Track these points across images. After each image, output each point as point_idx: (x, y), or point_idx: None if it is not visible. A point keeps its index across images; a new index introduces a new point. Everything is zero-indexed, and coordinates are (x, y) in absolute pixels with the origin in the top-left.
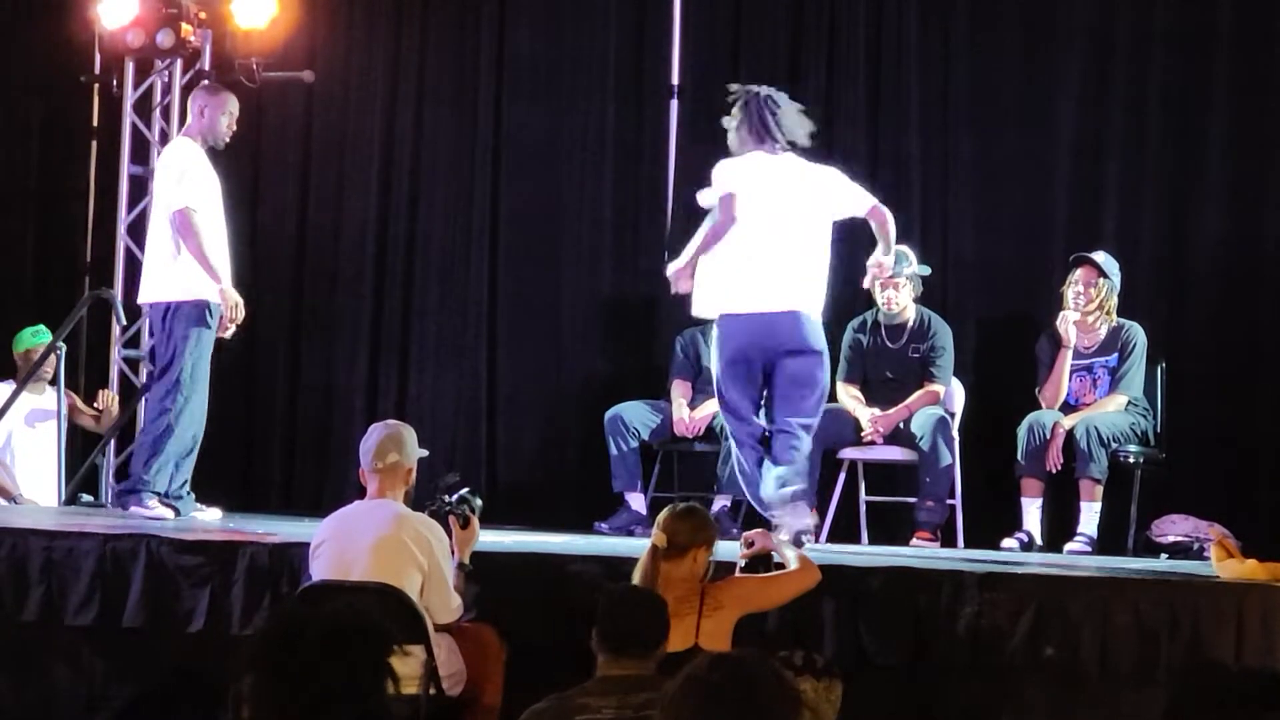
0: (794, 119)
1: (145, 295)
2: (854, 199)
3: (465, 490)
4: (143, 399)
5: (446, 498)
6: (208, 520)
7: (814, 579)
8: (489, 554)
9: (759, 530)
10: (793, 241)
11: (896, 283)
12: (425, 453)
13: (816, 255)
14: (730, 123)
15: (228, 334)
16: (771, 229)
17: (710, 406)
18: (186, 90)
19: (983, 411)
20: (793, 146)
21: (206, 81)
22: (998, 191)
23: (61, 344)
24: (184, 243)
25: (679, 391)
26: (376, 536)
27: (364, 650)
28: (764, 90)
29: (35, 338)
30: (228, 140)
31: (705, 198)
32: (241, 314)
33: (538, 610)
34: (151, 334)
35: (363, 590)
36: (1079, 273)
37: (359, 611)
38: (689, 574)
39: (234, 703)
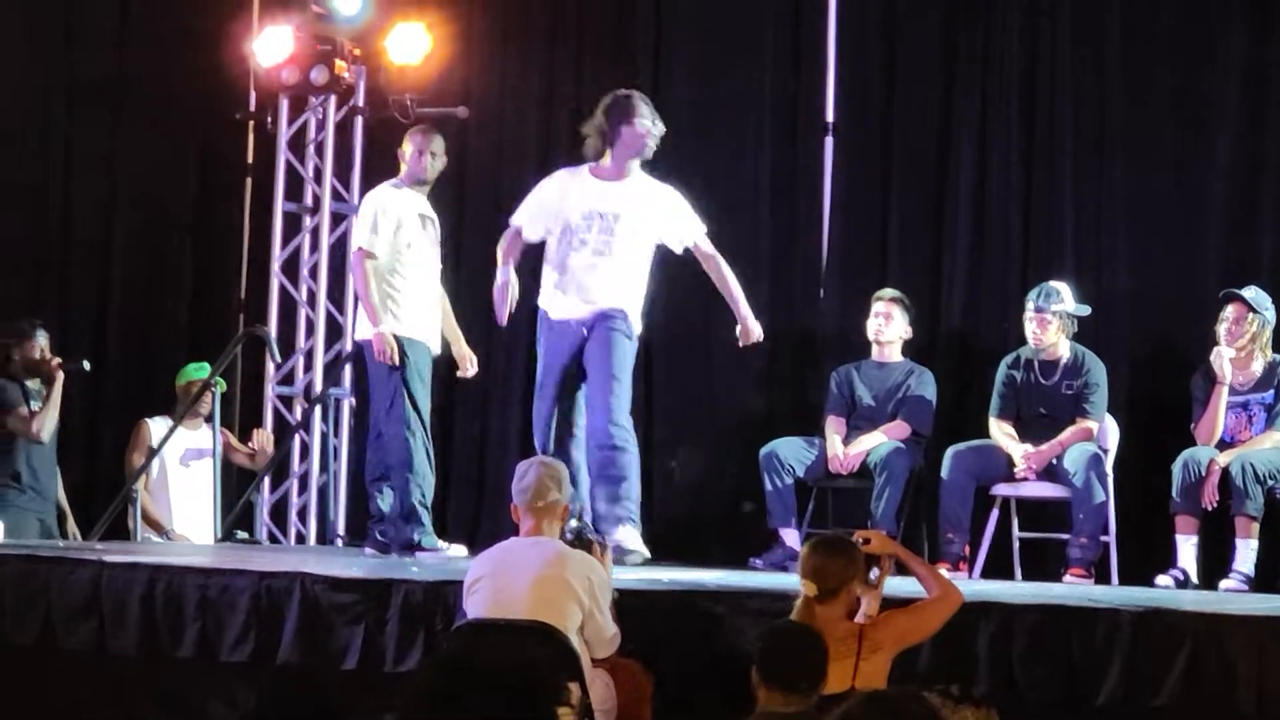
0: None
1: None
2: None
3: (575, 519)
4: (296, 436)
5: (581, 526)
6: (452, 554)
7: (957, 601)
8: (642, 591)
9: (874, 530)
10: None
11: (1045, 319)
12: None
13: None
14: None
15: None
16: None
17: (867, 442)
18: (340, 127)
19: (1137, 448)
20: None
21: (421, 125)
22: (1151, 227)
23: (219, 380)
24: (354, 281)
25: (833, 428)
26: (537, 573)
27: (528, 699)
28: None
29: (198, 372)
30: (433, 178)
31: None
32: (394, 358)
33: (689, 646)
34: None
35: (517, 628)
36: (1229, 309)
37: (526, 660)
38: (844, 612)
39: None
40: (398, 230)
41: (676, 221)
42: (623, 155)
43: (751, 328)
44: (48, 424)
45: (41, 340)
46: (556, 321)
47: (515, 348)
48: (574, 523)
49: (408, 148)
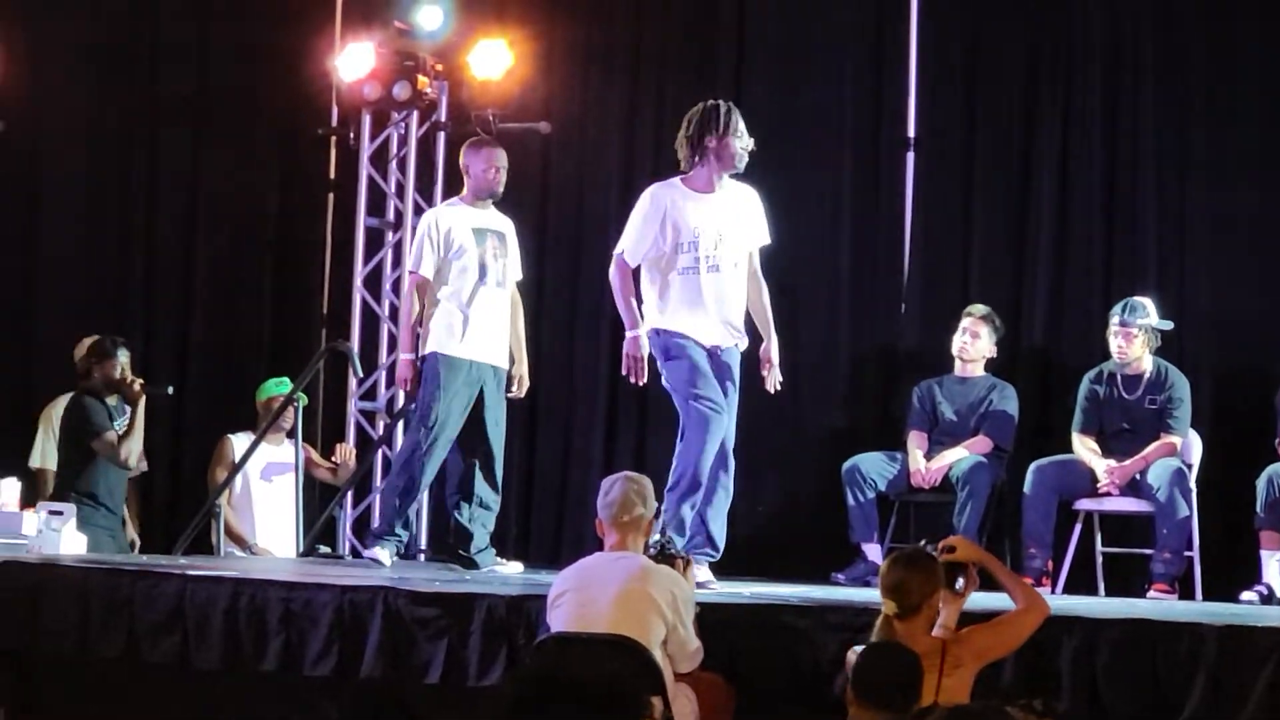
0: None
1: None
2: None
3: (659, 534)
4: (379, 452)
5: (665, 541)
6: (508, 574)
7: (1043, 612)
8: (724, 605)
9: (960, 537)
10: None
11: (1130, 333)
12: (657, 504)
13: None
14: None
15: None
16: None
17: (949, 456)
18: (423, 142)
19: (1220, 463)
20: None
21: (472, 139)
22: (1234, 243)
23: (301, 396)
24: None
25: (915, 442)
26: (621, 588)
27: (612, 713)
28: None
29: (279, 388)
30: (499, 191)
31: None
32: (408, 386)
33: (771, 660)
34: None
35: (601, 642)
36: None
37: (609, 674)
38: (926, 628)
39: None
40: (448, 249)
41: (759, 226)
42: (715, 169)
43: (774, 358)
44: (134, 449)
45: (123, 358)
46: (709, 347)
47: (596, 365)
48: (657, 537)
49: (473, 163)
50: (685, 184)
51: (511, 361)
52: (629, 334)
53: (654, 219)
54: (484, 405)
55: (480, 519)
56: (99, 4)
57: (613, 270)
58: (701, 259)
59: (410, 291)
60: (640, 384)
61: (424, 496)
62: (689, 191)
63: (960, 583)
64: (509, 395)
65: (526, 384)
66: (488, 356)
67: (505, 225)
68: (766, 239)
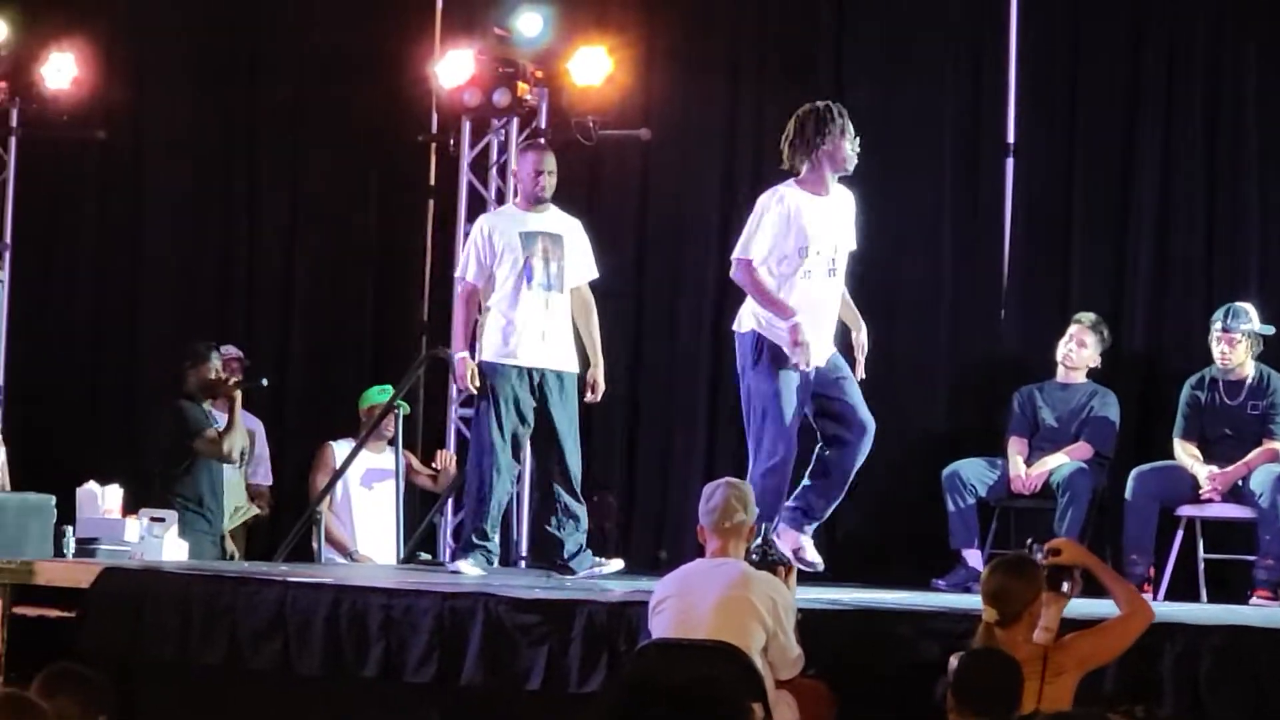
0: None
1: None
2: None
3: (760, 539)
4: None
5: (767, 547)
6: (609, 572)
7: (1148, 618)
8: (825, 610)
9: (1066, 540)
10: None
11: (1233, 338)
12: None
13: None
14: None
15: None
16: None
17: (1049, 462)
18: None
19: None
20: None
21: (532, 143)
22: None
23: (402, 403)
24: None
25: (1015, 448)
26: (722, 595)
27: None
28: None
29: (380, 395)
30: (546, 195)
31: None
32: (469, 384)
33: (872, 666)
34: None
35: (701, 648)
36: None
37: (710, 680)
38: (1027, 635)
39: None
40: (492, 255)
41: (853, 230)
42: (827, 170)
43: (866, 344)
44: (236, 443)
45: (216, 362)
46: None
47: (696, 372)
48: (759, 543)
49: (520, 167)
50: (802, 186)
51: (585, 365)
52: (789, 321)
53: (782, 221)
54: (549, 411)
55: (567, 526)
56: (200, 14)
57: (741, 274)
58: (823, 263)
59: (461, 298)
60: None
61: (520, 503)
62: (809, 195)
63: (1065, 585)
64: (586, 400)
65: (602, 387)
66: (541, 360)
67: (564, 227)
68: (854, 244)
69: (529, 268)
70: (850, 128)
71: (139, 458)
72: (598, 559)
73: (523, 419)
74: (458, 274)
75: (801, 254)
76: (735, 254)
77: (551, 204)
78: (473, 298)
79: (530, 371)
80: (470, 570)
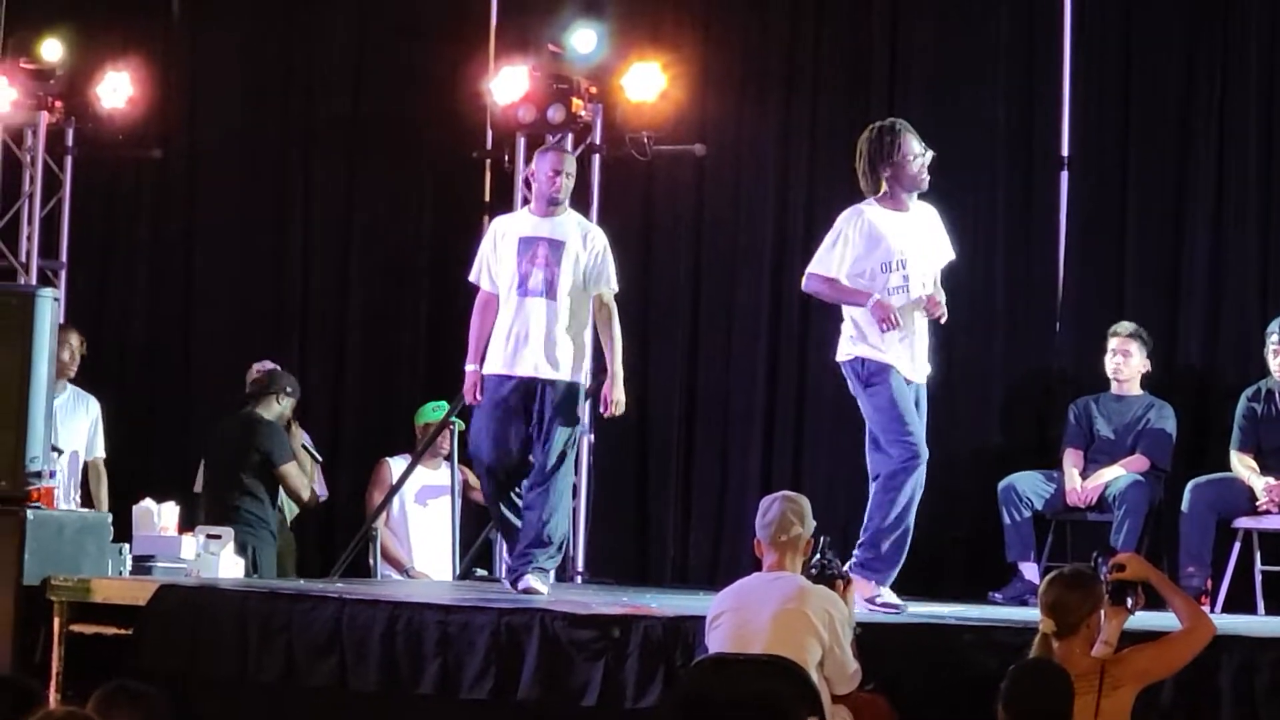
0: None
1: None
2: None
3: (822, 553)
4: None
5: (820, 563)
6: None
7: (1209, 634)
8: (882, 624)
9: (1131, 554)
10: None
11: None
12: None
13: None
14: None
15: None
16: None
17: (1105, 475)
18: (577, 165)
19: None
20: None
21: (550, 144)
22: None
23: (457, 420)
24: None
25: (1071, 461)
26: (778, 609)
27: None
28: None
29: (435, 413)
30: (562, 196)
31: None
32: (476, 397)
33: (930, 680)
34: None
35: (758, 663)
36: None
37: (767, 694)
38: (1085, 648)
39: None
40: (496, 260)
41: (945, 242)
42: (898, 189)
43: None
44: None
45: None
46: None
47: (754, 389)
48: (818, 557)
49: (537, 168)
50: (881, 204)
51: (598, 378)
52: (869, 302)
53: (862, 238)
54: (544, 418)
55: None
56: (254, 32)
57: (812, 284)
58: (911, 279)
59: (477, 305)
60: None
61: (576, 518)
62: (888, 211)
63: (1129, 601)
64: (604, 415)
65: (619, 400)
66: (524, 369)
67: (568, 233)
68: (952, 254)
69: (520, 274)
70: (913, 143)
71: (193, 475)
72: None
73: (500, 431)
74: (471, 278)
75: (885, 269)
76: (809, 269)
77: (570, 208)
78: (489, 305)
79: (510, 380)
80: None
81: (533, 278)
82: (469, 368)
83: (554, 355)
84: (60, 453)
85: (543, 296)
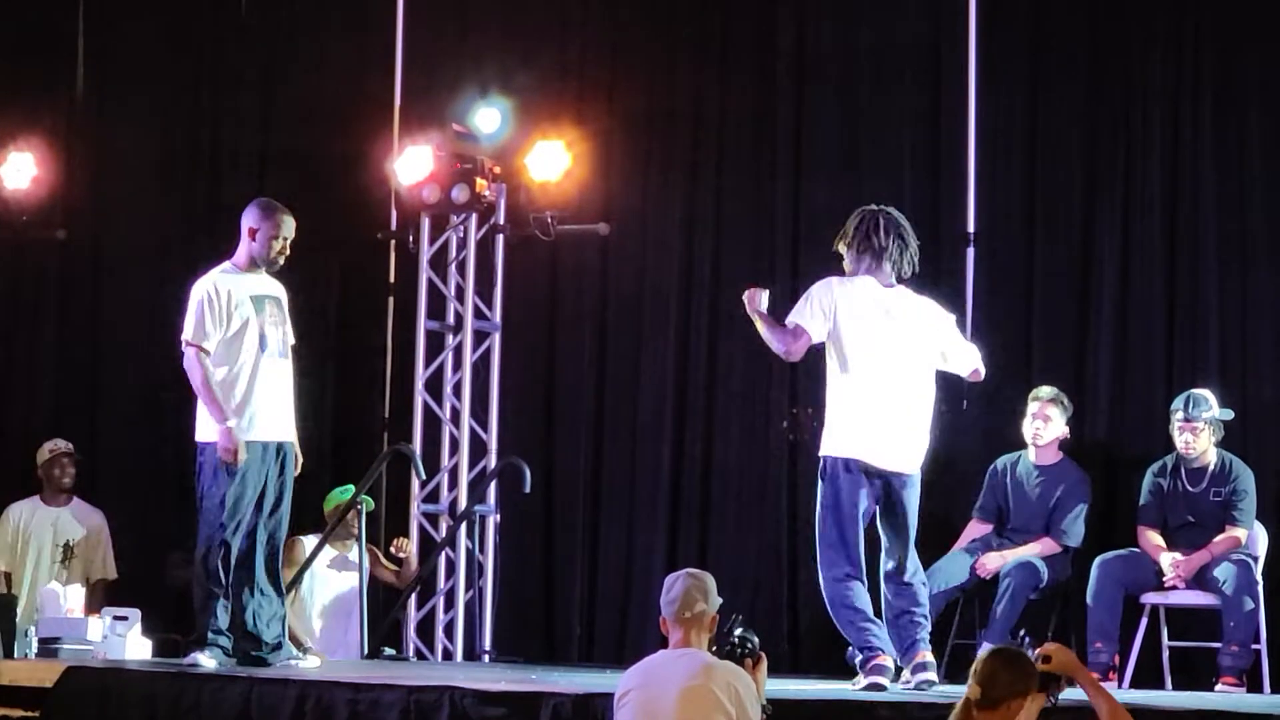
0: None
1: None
2: (965, 354)
3: (740, 629)
4: (442, 553)
5: (735, 639)
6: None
7: None
8: (794, 701)
9: (1059, 646)
10: (911, 389)
11: (1195, 427)
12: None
13: (927, 405)
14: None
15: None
16: (889, 372)
17: (1010, 554)
18: (482, 245)
19: None
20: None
21: (260, 200)
22: None
23: (366, 499)
24: (190, 380)
25: (975, 532)
26: (684, 685)
27: None
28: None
29: (344, 495)
30: (279, 262)
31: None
32: (240, 457)
33: None
34: None
35: None
36: None
37: None
38: None
39: None
40: (228, 318)
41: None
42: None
43: None
44: None
45: None
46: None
47: (659, 467)
48: (740, 632)
49: (263, 227)
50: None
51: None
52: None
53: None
54: (284, 485)
55: (265, 611)
56: (160, 112)
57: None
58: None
59: (194, 363)
60: None
61: (484, 597)
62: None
63: (1051, 693)
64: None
65: (301, 459)
66: (277, 434)
67: (279, 290)
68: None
69: (263, 334)
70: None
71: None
72: (296, 652)
73: (255, 499)
74: (188, 337)
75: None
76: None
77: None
78: (205, 363)
79: (269, 446)
80: (209, 662)
81: (273, 338)
82: (221, 427)
83: (291, 419)
84: None
85: (283, 357)
